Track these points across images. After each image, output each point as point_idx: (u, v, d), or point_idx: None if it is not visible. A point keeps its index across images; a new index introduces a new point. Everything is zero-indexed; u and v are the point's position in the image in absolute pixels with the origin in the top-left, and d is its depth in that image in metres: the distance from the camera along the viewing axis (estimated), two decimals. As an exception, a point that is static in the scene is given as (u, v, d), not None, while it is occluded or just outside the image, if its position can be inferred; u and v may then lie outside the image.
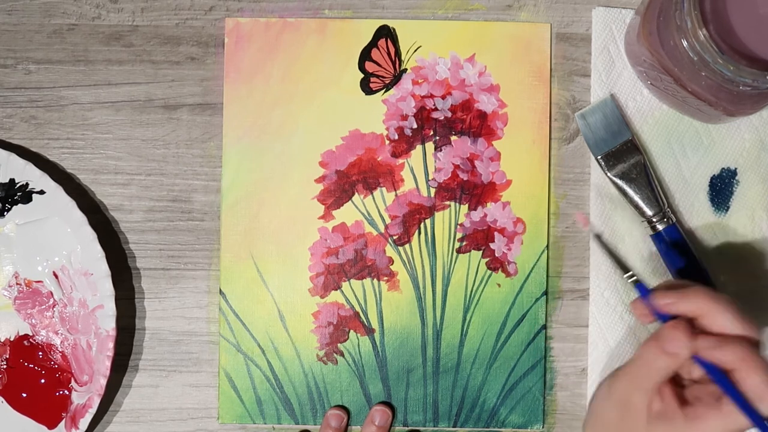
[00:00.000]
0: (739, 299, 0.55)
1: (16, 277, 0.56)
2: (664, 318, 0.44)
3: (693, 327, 0.43)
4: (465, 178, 0.56)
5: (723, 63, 0.46)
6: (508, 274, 0.56)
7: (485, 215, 0.56)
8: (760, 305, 0.55)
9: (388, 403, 0.56)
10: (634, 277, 0.47)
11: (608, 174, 0.55)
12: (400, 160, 0.57)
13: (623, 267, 0.50)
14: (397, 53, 0.57)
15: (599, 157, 0.55)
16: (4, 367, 0.56)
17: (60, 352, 0.56)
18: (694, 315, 0.43)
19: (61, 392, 0.55)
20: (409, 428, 0.56)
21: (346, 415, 0.56)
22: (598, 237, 0.52)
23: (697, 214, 0.56)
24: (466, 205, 0.56)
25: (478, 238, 0.56)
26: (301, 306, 0.56)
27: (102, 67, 0.57)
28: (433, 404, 0.56)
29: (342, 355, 0.56)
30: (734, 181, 0.56)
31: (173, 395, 0.57)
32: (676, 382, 0.44)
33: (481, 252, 0.56)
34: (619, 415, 0.44)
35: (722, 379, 0.42)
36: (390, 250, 0.56)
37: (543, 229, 0.56)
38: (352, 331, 0.56)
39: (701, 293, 0.43)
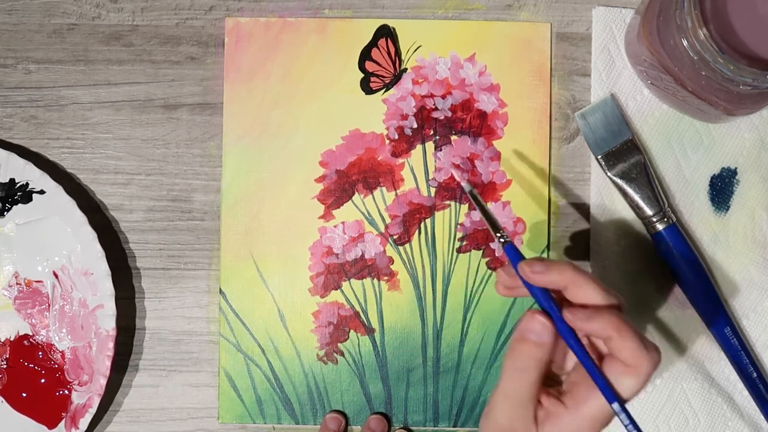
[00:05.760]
0: (738, 298, 0.56)
1: (16, 277, 0.56)
2: (532, 291, 0.42)
3: (567, 303, 0.42)
4: (465, 178, 0.56)
5: (723, 62, 0.46)
6: (508, 274, 0.56)
7: (485, 215, 0.56)
8: (759, 304, 0.56)
9: (384, 414, 0.56)
10: (504, 239, 0.44)
11: (608, 174, 0.55)
12: (400, 160, 0.56)
13: (495, 226, 0.45)
14: (397, 53, 0.57)
15: (599, 156, 0.55)
16: (4, 367, 0.56)
17: (60, 352, 0.56)
18: (560, 286, 0.41)
19: (61, 392, 0.55)
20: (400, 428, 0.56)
21: (344, 419, 0.56)
22: (472, 193, 0.46)
23: (697, 213, 0.56)
24: (467, 205, 0.56)
25: (479, 238, 0.56)
26: (301, 306, 0.56)
27: (102, 66, 0.57)
28: (433, 404, 0.56)
29: (342, 354, 0.56)
30: (734, 181, 0.56)
31: (173, 395, 0.57)
32: (550, 385, 0.43)
33: (481, 252, 0.56)
34: None
35: (584, 357, 0.41)
36: (390, 250, 0.56)
37: (543, 229, 0.56)
38: (352, 330, 0.56)
39: (568, 265, 0.41)
